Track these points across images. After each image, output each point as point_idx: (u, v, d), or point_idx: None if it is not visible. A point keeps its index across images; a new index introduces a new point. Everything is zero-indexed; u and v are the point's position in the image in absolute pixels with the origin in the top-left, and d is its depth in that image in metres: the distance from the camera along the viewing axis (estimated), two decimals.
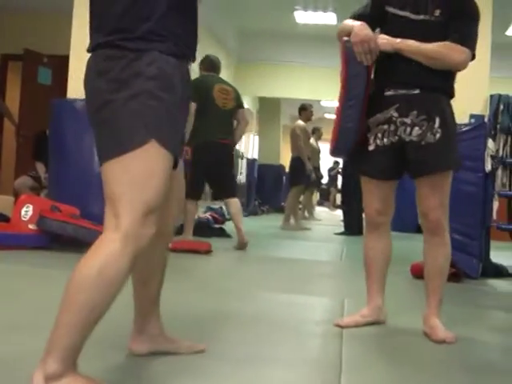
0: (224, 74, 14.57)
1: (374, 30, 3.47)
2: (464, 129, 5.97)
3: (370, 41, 3.35)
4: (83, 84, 2.42)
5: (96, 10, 2.37)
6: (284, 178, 16.91)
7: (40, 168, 8.47)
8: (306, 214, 14.20)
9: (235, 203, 7.21)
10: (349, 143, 3.51)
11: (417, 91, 3.40)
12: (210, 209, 11.09)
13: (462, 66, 3.44)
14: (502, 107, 5.92)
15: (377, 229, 3.60)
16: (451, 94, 3.57)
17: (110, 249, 2.10)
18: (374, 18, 3.53)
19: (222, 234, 8.52)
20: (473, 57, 3.45)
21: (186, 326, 3.33)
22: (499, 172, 5.95)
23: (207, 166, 7.04)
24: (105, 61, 2.24)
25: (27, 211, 5.90)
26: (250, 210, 15.17)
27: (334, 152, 3.61)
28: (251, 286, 4.88)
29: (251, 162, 17.56)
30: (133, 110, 2.15)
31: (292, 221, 11.41)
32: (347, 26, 3.48)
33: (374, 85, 3.49)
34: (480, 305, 4.81)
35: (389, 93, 3.44)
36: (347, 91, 3.43)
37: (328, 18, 12.40)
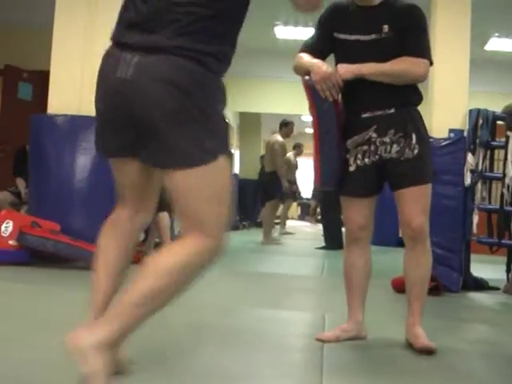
0: None
1: (325, 58, 3.56)
2: (443, 143, 6.01)
3: (330, 76, 3.39)
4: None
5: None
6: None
7: (20, 183, 8.44)
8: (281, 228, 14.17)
9: (166, 217, 7.28)
10: (334, 174, 3.56)
11: (392, 110, 3.48)
12: None
13: (424, 77, 3.51)
14: (481, 121, 5.95)
15: (358, 244, 3.62)
16: (420, 100, 3.62)
17: (192, 248, 2.18)
18: (325, 47, 3.62)
19: None
20: (430, 64, 3.52)
21: (162, 340, 3.33)
22: (479, 186, 5.98)
23: None
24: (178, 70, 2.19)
25: (7, 227, 5.88)
26: (230, 225, 15.13)
27: (323, 186, 3.69)
28: (231, 300, 4.87)
29: (232, 177, 17.58)
30: (212, 124, 2.22)
31: (274, 235, 11.42)
32: (304, 64, 3.53)
33: (347, 109, 3.56)
34: (460, 318, 4.83)
35: (365, 115, 3.50)
36: (319, 127, 3.51)
37: (308, 33, 12.34)
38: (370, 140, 3.49)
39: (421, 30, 3.51)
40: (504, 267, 6.16)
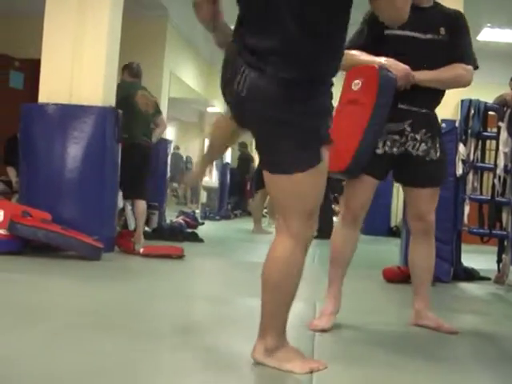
0: (197, 79, 14.61)
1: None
2: None
3: (410, 75, 3.54)
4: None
5: None
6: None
7: (11, 172, 8.42)
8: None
9: (142, 205, 7.41)
10: (363, 163, 3.57)
11: (424, 110, 3.68)
12: (182, 213, 11.07)
13: (469, 84, 3.77)
14: (472, 112, 5.95)
15: (353, 224, 3.75)
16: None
17: (285, 247, 2.68)
18: (372, 44, 3.66)
19: (195, 238, 8.50)
20: (475, 69, 3.76)
21: (157, 330, 3.32)
22: (470, 176, 5.98)
23: (131, 166, 7.09)
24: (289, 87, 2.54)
25: None
26: (222, 214, 15.13)
27: (349, 171, 3.61)
28: (223, 290, 4.87)
29: (224, 166, 17.54)
30: (314, 132, 2.61)
31: (263, 224, 11.40)
32: (365, 60, 3.60)
33: None
34: (451, 308, 4.84)
35: (402, 106, 3.63)
36: (372, 117, 3.52)
37: None
38: (404, 132, 3.64)
39: (468, 37, 3.75)
40: (495, 257, 6.17)
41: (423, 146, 3.66)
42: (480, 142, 6.06)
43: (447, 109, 6.19)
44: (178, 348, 3.03)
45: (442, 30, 3.63)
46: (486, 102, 6.07)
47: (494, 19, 11.07)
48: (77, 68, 6.44)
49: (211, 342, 3.18)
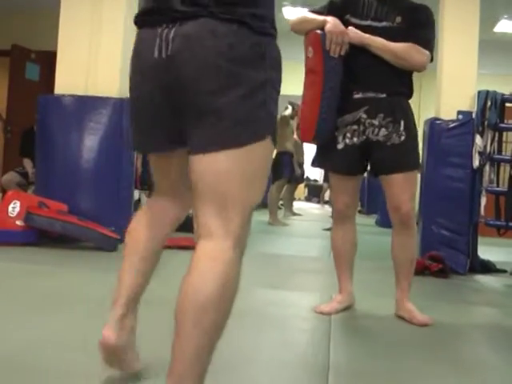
0: None
1: None
2: (452, 125, 5.99)
3: (344, 33, 3.57)
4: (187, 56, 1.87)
5: None
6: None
7: (27, 164, 8.45)
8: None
9: None
10: (325, 131, 3.67)
11: (383, 95, 3.66)
12: None
13: (422, 67, 3.69)
14: (489, 103, 5.92)
15: (344, 221, 3.86)
16: (410, 96, 3.81)
17: (227, 260, 1.87)
18: None
19: None
20: (431, 59, 3.73)
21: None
22: (487, 168, 5.96)
23: None
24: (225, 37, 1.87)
25: (14, 207, 5.88)
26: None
27: (314, 139, 3.74)
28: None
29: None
30: (261, 100, 1.89)
31: (279, 217, 11.41)
32: (316, 19, 3.69)
33: (340, 87, 3.65)
34: (467, 300, 4.83)
35: (357, 96, 3.68)
36: (324, 83, 3.58)
37: None
38: (360, 120, 3.66)
39: (429, 27, 3.73)
40: (511, 250, 6.15)
41: (383, 131, 3.64)
42: (497, 134, 6.04)
43: (464, 100, 6.18)
44: None
45: (398, 19, 3.67)
46: (502, 94, 6.04)
47: (511, 11, 10.99)
48: (93, 60, 6.45)
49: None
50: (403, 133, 3.64)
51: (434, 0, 5.42)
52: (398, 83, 3.69)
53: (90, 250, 5.84)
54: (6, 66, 11.45)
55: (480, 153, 5.87)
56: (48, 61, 9.35)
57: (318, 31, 3.60)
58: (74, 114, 6.36)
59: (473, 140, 5.88)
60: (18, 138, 9.09)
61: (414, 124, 3.74)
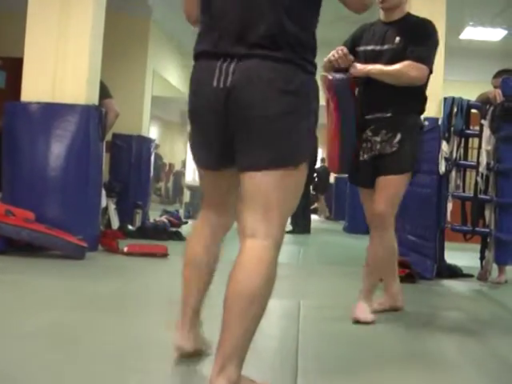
0: (180, 78, 14.56)
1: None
2: None
3: (347, 55, 3.84)
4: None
5: None
6: None
7: None
8: None
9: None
10: (347, 163, 3.96)
11: (389, 114, 3.90)
12: (166, 212, 11.04)
13: (419, 80, 3.87)
14: (455, 110, 5.97)
15: (377, 228, 3.93)
16: (421, 109, 4.07)
17: (269, 260, 2.25)
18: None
19: (179, 237, 8.49)
20: (430, 71, 3.90)
21: (144, 328, 3.31)
22: (453, 174, 6.01)
23: None
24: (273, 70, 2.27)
25: None
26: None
27: (341, 170, 4.16)
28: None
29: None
30: (307, 128, 2.32)
31: None
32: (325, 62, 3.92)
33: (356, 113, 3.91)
34: (434, 305, 4.87)
35: (368, 116, 3.93)
36: (341, 125, 3.82)
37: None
38: (367, 138, 3.92)
39: (428, 41, 3.93)
40: (478, 255, 6.20)
41: (383, 145, 3.89)
42: (463, 140, 6.09)
43: (430, 107, 6.20)
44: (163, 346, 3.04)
45: (397, 40, 3.89)
46: (468, 100, 6.10)
47: (477, 18, 11.12)
48: (60, 67, 6.41)
49: None
50: (396, 145, 3.86)
51: None
52: (403, 101, 3.89)
53: (58, 258, 5.80)
54: None
55: (446, 159, 5.93)
56: (14, 67, 9.26)
57: (330, 76, 3.80)
58: (41, 121, 6.32)
59: (439, 146, 5.93)
60: None
61: (417, 138, 3.97)
